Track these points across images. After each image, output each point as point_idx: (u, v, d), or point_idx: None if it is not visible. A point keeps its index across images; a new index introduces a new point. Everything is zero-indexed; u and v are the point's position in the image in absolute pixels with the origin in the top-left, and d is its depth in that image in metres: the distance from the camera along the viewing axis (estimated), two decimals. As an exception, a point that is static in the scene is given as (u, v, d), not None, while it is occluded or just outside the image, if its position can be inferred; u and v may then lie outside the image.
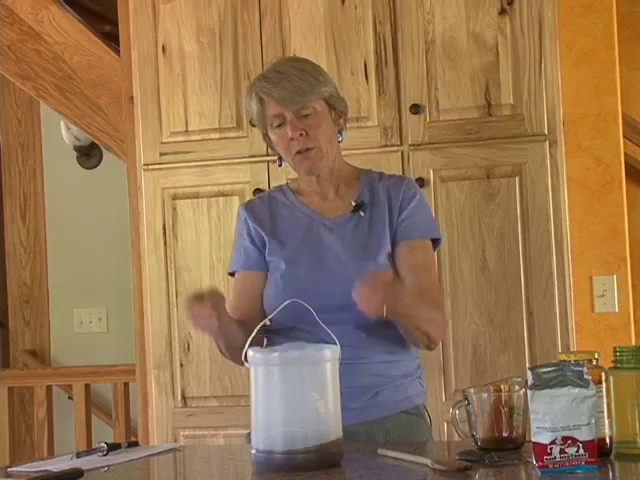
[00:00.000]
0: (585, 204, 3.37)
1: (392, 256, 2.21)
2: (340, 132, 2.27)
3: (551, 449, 1.54)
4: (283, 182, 2.67)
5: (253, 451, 1.75)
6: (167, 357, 3.11)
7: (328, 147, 2.21)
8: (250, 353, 1.77)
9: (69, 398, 4.78)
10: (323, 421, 1.72)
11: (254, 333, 1.92)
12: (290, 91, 2.15)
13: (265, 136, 2.27)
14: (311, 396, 1.71)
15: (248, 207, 2.33)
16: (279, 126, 2.19)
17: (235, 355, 2.12)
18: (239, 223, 2.33)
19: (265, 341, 2.03)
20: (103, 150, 4.92)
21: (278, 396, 1.72)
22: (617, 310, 3.34)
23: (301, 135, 2.16)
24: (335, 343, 1.78)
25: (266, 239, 2.25)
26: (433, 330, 2.16)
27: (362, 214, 2.23)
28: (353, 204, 2.24)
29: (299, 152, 2.19)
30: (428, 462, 1.68)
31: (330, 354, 1.75)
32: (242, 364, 1.98)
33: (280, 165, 2.32)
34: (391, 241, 2.21)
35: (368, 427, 2.11)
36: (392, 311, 2.00)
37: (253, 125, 3.03)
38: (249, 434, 2.18)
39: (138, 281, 3.34)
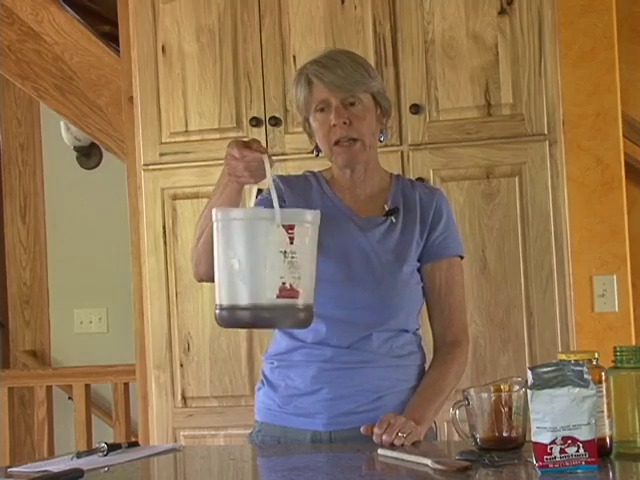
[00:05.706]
0: (585, 204, 3.37)
1: (420, 270, 2.21)
2: (382, 132, 2.24)
3: (551, 449, 1.54)
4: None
5: (217, 311, 1.79)
6: (167, 357, 3.11)
7: (371, 140, 2.18)
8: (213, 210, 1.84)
9: (69, 398, 4.78)
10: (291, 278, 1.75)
11: None
12: (341, 78, 2.13)
13: (305, 122, 2.23)
14: (273, 253, 1.75)
15: (284, 179, 2.27)
16: (322, 110, 2.16)
17: (208, 260, 2.04)
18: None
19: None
20: (103, 150, 4.92)
21: (241, 251, 1.76)
22: (617, 310, 3.35)
23: (344, 123, 2.13)
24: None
25: None
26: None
27: (394, 220, 2.20)
28: (386, 208, 2.21)
29: (338, 142, 2.15)
30: (428, 462, 1.68)
31: (311, 217, 1.81)
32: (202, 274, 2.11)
33: (317, 155, 2.26)
34: (420, 255, 2.21)
35: None
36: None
37: (253, 125, 3.05)
38: (251, 433, 2.20)
39: (138, 281, 3.34)
